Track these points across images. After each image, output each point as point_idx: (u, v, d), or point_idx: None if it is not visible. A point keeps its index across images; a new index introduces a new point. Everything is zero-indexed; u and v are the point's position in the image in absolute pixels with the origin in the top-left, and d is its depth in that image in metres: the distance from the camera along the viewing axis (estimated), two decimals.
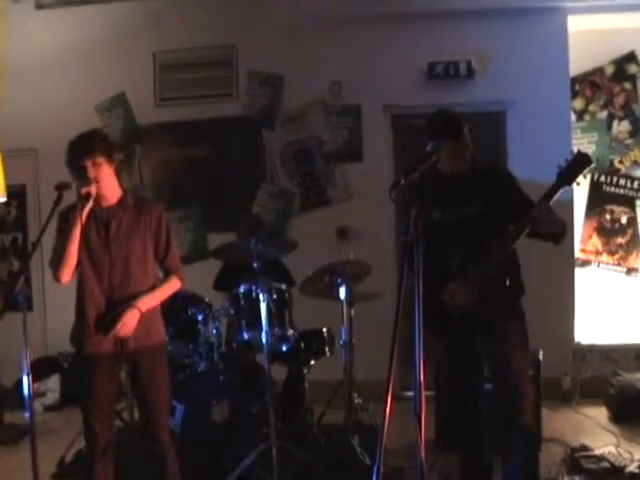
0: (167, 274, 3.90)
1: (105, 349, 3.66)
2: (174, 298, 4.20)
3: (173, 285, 3.89)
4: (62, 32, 7.11)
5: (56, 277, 3.65)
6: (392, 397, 2.58)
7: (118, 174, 3.74)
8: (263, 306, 4.54)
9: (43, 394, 6.80)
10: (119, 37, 7.03)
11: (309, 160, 6.83)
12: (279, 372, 5.32)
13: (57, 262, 3.62)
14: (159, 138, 7.01)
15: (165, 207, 3.96)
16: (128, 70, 7.07)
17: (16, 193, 7.15)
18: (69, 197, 3.57)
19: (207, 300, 5.00)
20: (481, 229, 3.67)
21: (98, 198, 3.63)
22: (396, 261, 6.74)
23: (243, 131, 6.91)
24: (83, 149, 3.58)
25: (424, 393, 2.58)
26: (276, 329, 4.74)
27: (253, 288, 4.72)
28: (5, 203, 6.69)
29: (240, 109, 6.94)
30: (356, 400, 5.42)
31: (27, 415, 3.39)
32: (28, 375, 3.31)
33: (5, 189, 6.04)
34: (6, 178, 6.03)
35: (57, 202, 3.46)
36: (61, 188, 3.48)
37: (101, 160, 3.59)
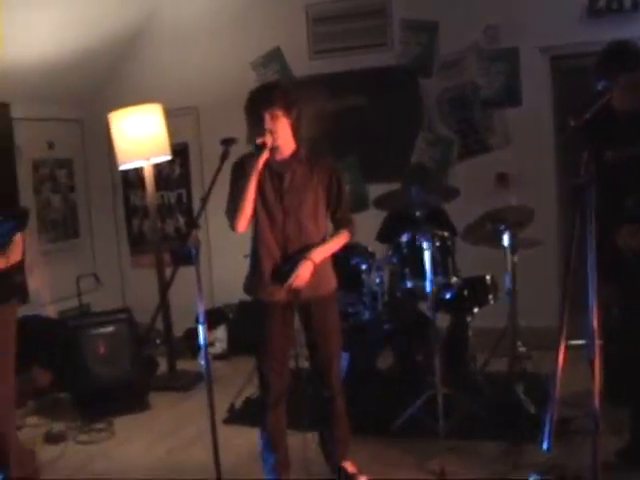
0: (338, 227, 3.95)
1: (278, 298, 3.78)
2: None
3: (343, 238, 3.94)
4: None
5: (232, 226, 3.77)
6: (564, 346, 2.55)
7: (295, 128, 3.78)
8: (427, 254, 4.53)
9: (211, 344, 7.06)
10: None
11: (466, 107, 6.72)
12: (442, 320, 5.32)
13: (233, 212, 3.74)
14: (314, 91, 7.04)
15: None
16: (281, 25, 7.15)
17: (179, 151, 7.39)
18: (234, 153, 3.65)
19: (370, 250, 5.03)
20: None
21: (273, 150, 3.71)
22: (557, 207, 6.55)
23: (398, 80, 6.86)
24: (262, 100, 3.66)
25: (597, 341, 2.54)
26: (439, 277, 4.74)
27: (416, 237, 4.73)
28: (169, 161, 6.95)
29: (394, 58, 6.88)
30: (520, 348, 5.37)
31: (201, 363, 3.52)
32: (203, 324, 3.43)
33: (170, 147, 6.30)
34: (171, 137, 6.28)
35: (224, 157, 3.51)
36: (227, 143, 3.54)
37: (279, 113, 3.65)
